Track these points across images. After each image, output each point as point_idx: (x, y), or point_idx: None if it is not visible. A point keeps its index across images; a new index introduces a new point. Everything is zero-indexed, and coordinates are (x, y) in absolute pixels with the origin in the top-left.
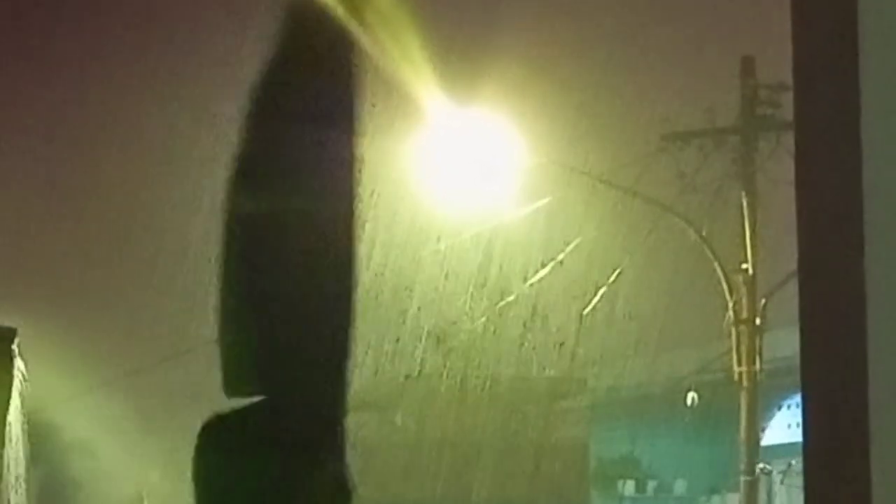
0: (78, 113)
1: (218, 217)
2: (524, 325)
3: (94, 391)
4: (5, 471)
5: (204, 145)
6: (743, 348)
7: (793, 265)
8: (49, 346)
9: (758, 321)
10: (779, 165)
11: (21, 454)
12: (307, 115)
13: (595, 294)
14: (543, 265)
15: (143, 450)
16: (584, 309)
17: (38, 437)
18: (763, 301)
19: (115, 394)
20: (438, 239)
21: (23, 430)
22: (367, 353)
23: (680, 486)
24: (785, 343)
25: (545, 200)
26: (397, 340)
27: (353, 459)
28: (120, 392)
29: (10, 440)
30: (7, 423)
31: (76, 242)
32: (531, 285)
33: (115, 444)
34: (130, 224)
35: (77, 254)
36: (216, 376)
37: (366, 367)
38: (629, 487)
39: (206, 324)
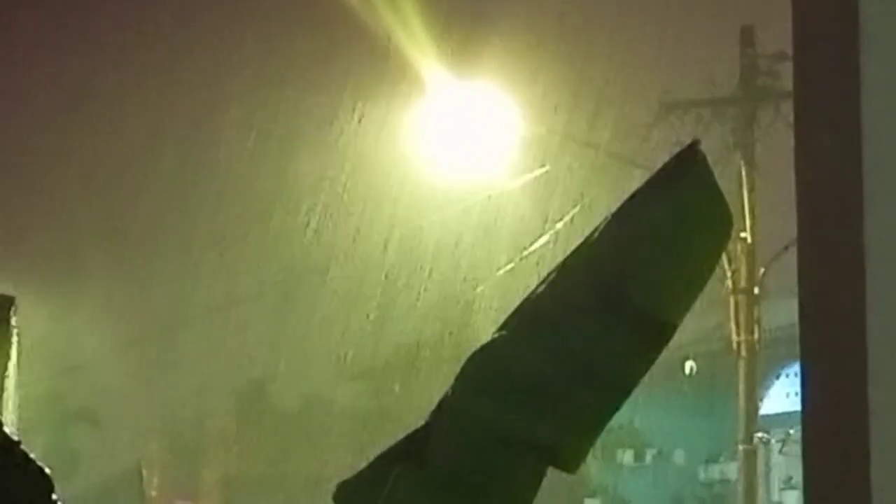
0: (76, 76)
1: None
2: (522, 294)
3: (96, 360)
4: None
5: (211, 118)
6: (741, 317)
7: (792, 234)
8: (51, 314)
9: (756, 290)
10: (778, 135)
11: (16, 425)
12: None
13: None
14: (541, 235)
15: (142, 420)
16: None
17: (39, 405)
18: (762, 270)
19: (116, 363)
20: (438, 209)
21: (15, 401)
22: (365, 322)
23: (678, 456)
24: (784, 312)
25: (543, 170)
26: (412, 308)
27: (351, 430)
28: (121, 361)
29: (7, 409)
30: (4, 392)
31: (80, 210)
32: (529, 255)
33: (115, 414)
34: (134, 193)
35: (81, 222)
36: (215, 346)
37: (364, 336)
38: (627, 456)
39: (208, 295)
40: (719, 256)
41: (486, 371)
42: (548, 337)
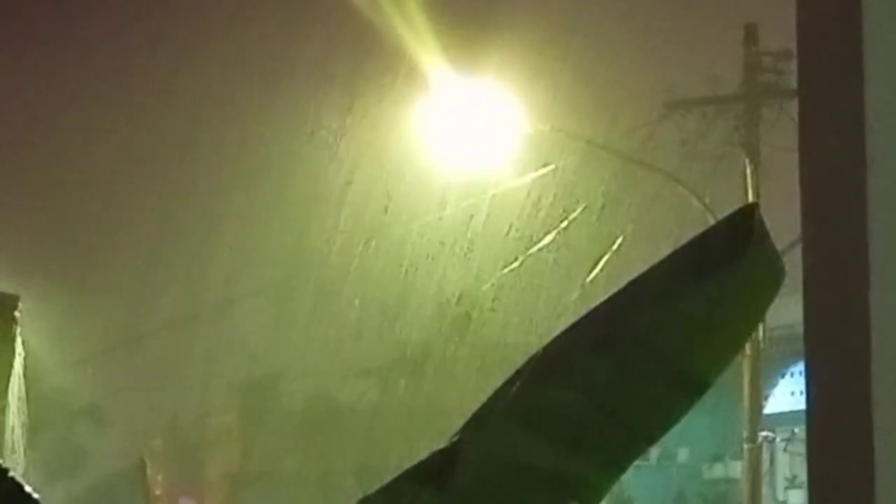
0: (79, 75)
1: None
2: (526, 292)
3: (100, 357)
4: (8, 435)
5: (214, 118)
6: None
7: (796, 233)
8: (55, 312)
9: None
10: (782, 133)
11: (21, 421)
12: None
13: (598, 262)
14: (546, 233)
15: (146, 417)
16: (586, 277)
17: (44, 402)
18: None
19: (120, 360)
20: (442, 207)
21: (20, 398)
22: (370, 320)
23: (683, 454)
24: (788, 311)
25: (548, 168)
26: (417, 306)
27: (355, 427)
28: (126, 358)
29: (11, 407)
30: (9, 391)
31: (84, 208)
32: (533, 253)
33: (120, 411)
34: (139, 190)
35: (85, 220)
36: (220, 343)
37: (369, 334)
38: None
39: (213, 291)
40: (763, 316)
41: (522, 402)
42: (585, 378)
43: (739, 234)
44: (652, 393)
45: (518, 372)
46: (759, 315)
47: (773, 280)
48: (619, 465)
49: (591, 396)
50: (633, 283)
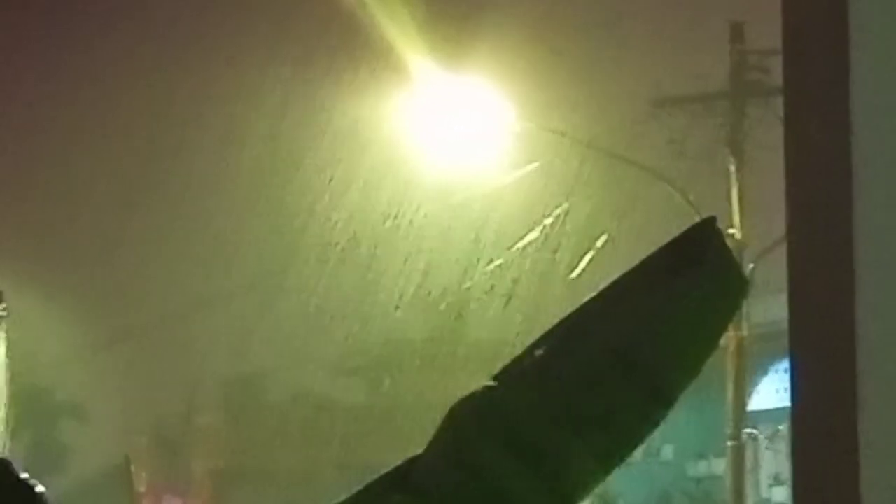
0: (69, 73)
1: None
2: (511, 289)
3: (83, 354)
4: None
5: (208, 118)
6: None
7: (781, 230)
8: (38, 308)
9: None
10: (768, 131)
11: (4, 418)
12: None
13: (582, 259)
14: (531, 230)
15: (130, 415)
16: (570, 274)
17: (27, 400)
18: (751, 266)
19: (104, 357)
20: (427, 204)
21: (4, 396)
22: (352, 318)
23: (667, 451)
24: (773, 308)
25: (533, 166)
26: (396, 307)
27: (340, 424)
28: (109, 356)
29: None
30: None
31: (68, 203)
32: (518, 251)
33: (103, 409)
34: (123, 186)
35: (69, 215)
36: (204, 340)
37: (352, 333)
38: None
39: (197, 288)
40: (727, 327)
41: (490, 412)
42: (555, 391)
43: (697, 248)
44: (623, 407)
45: (494, 378)
46: (724, 328)
47: (733, 293)
48: (586, 485)
49: (562, 407)
50: (602, 292)
